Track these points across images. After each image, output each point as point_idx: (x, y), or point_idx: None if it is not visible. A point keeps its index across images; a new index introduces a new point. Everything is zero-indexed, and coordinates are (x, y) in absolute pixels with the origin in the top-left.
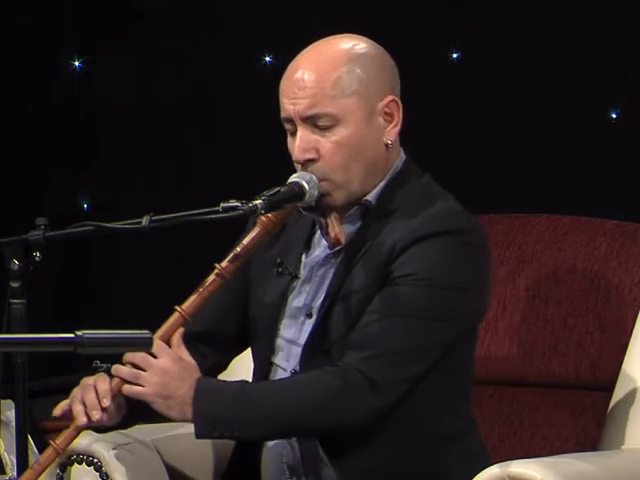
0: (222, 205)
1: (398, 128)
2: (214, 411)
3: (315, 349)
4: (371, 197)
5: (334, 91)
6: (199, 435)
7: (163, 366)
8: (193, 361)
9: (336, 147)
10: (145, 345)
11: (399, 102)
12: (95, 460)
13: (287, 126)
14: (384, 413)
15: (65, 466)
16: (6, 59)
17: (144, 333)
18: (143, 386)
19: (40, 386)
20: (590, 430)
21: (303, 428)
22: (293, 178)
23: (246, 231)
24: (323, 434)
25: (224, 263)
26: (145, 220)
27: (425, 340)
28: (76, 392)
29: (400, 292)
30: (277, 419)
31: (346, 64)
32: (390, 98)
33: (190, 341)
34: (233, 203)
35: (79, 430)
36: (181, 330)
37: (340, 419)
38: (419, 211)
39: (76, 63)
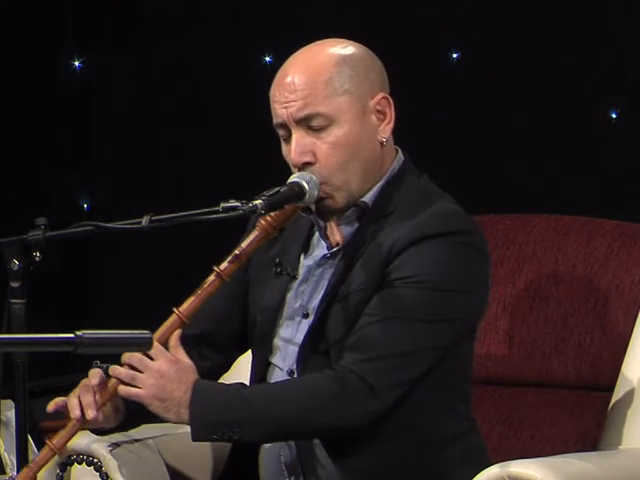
0: (222, 205)
1: (392, 125)
2: (211, 414)
3: (312, 349)
4: (367, 198)
5: (326, 91)
6: (195, 438)
7: (159, 368)
8: (191, 363)
9: (332, 148)
10: (145, 345)
11: (390, 99)
12: (95, 460)
13: (281, 132)
14: (382, 415)
15: (65, 466)
16: (6, 59)
17: (144, 333)
18: (140, 388)
19: (40, 386)
20: (590, 430)
21: (300, 431)
22: (293, 178)
23: (246, 232)
24: (319, 437)
25: (223, 265)
26: (145, 220)
27: (423, 343)
28: (75, 392)
29: (398, 294)
30: (275, 422)
31: (335, 65)
32: (381, 95)
33: (190, 342)
34: (233, 203)
35: (75, 429)
36: (179, 332)
37: (336, 422)
38: (417, 212)
39: (76, 63)
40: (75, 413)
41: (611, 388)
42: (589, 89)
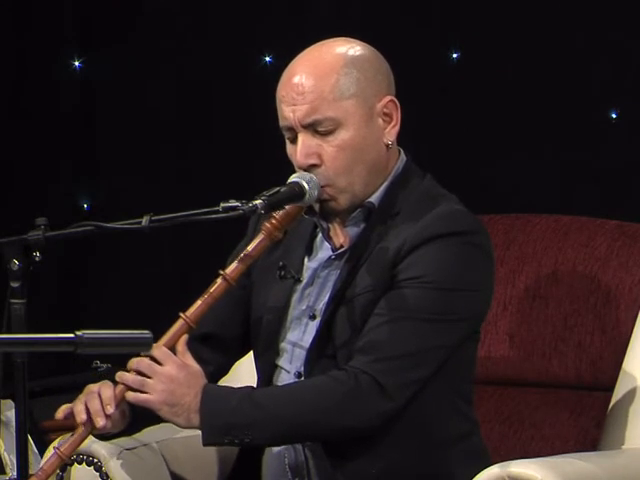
0: (222, 205)
1: (397, 128)
2: (222, 418)
3: (320, 352)
4: (374, 199)
5: (333, 94)
6: (207, 442)
7: (169, 373)
8: (199, 368)
9: (338, 151)
10: (145, 345)
11: (397, 102)
12: (95, 460)
13: (287, 134)
14: (393, 416)
15: (65, 466)
16: (6, 59)
17: (144, 333)
18: (149, 393)
19: (40, 386)
20: (590, 430)
21: (312, 432)
22: (293, 178)
23: (248, 234)
24: (330, 438)
25: (229, 269)
26: (145, 220)
27: (432, 343)
28: (80, 398)
29: (407, 295)
30: (286, 423)
31: (343, 67)
32: (388, 98)
33: (191, 345)
34: (233, 203)
35: (83, 437)
36: (186, 337)
37: (349, 422)
38: (423, 213)
39: (76, 63)
40: (82, 417)
41: (611, 388)
42: (589, 89)
